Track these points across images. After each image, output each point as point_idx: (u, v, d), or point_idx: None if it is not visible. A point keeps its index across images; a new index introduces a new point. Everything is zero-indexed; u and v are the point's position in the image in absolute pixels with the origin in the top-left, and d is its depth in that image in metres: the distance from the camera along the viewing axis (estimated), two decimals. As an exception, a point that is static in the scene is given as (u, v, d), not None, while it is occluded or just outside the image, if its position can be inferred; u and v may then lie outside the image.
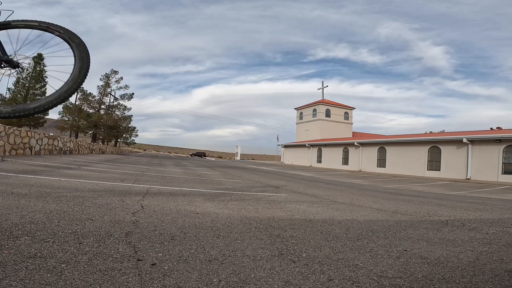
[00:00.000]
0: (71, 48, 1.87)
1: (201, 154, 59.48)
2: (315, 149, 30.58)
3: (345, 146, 26.69)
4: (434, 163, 19.22)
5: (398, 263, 1.64)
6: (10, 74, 1.92)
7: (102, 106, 36.54)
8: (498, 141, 15.93)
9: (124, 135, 36.29)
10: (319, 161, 29.67)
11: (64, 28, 1.91)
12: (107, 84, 35.96)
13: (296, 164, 32.37)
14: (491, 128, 22.49)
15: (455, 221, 3.23)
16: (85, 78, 1.80)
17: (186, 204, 3.12)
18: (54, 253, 1.36)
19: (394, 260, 1.69)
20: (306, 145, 31.64)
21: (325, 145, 29.24)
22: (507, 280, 1.46)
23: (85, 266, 1.25)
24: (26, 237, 1.54)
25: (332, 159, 27.82)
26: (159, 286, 1.13)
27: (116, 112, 36.80)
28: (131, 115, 37.57)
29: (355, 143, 25.00)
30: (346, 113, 38.04)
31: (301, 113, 39.71)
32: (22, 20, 1.96)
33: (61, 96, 1.73)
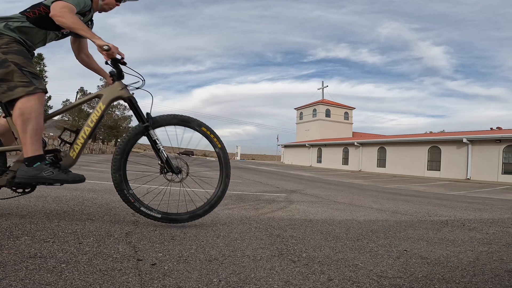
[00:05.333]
0: (220, 166, 2.22)
1: (189, 153, 59.16)
2: (315, 149, 30.58)
3: (345, 146, 26.70)
4: (434, 163, 19.22)
5: (398, 263, 1.64)
6: (171, 179, 2.15)
7: (102, 106, 36.50)
8: (498, 141, 15.93)
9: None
10: (319, 161, 29.67)
11: (221, 142, 2.20)
12: (107, 84, 35.94)
13: (296, 164, 32.38)
14: (491, 128, 22.49)
15: (455, 221, 3.23)
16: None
17: (186, 203, 3.12)
18: (54, 253, 1.36)
19: (394, 260, 1.69)
20: (306, 145, 31.64)
21: (325, 145, 29.24)
22: (507, 280, 1.46)
23: (85, 266, 1.25)
24: (26, 237, 1.54)
25: (332, 159, 27.83)
26: (159, 286, 1.13)
27: (116, 112, 36.77)
28: (131, 115, 37.57)
29: (355, 143, 25.00)
30: (346, 113, 38.05)
31: (301, 113, 39.72)
32: (179, 117, 2.12)
33: (213, 205, 2.16)
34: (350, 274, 1.42)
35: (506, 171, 15.56)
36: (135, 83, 2.08)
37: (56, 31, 2.05)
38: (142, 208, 2.00)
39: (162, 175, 2.15)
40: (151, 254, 1.48)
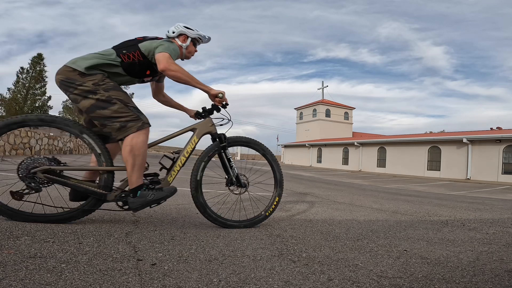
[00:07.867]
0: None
1: None
2: (315, 149, 30.57)
3: (345, 146, 26.69)
4: (434, 163, 19.21)
5: (398, 263, 1.64)
6: (238, 193, 2.42)
7: (102, 106, 36.53)
8: (498, 141, 15.93)
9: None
10: (319, 161, 29.66)
11: (274, 211, 2.48)
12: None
13: (296, 164, 32.38)
14: (491, 128, 22.48)
15: (455, 221, 3.23)
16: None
17: (186, 204, 3.13)
18: (54, 253, 1.36)
19: (394, 260, 1.69)
20: (306, 145, 31.63)
21: (325, 145, 29.23)
22: (507, 280, 1.46)
23: (85, 266, 1.25)
24: (26, 237, 1.54)
25: (332, 159, 27.82)
26: (159, 286, 1.13)
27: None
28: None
29: (355, 143, 24.99)
30: (346, 113, 38.01)
31: (301, 113, 39.70)
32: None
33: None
34: (350, 274, 1.42)
35: (506, 171, 15.55)
36: (222, 120, 2.29)
37: (137, 78, 2.04)
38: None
39: (227, 187, 2.40)
40: (151, 254, 1.48)
